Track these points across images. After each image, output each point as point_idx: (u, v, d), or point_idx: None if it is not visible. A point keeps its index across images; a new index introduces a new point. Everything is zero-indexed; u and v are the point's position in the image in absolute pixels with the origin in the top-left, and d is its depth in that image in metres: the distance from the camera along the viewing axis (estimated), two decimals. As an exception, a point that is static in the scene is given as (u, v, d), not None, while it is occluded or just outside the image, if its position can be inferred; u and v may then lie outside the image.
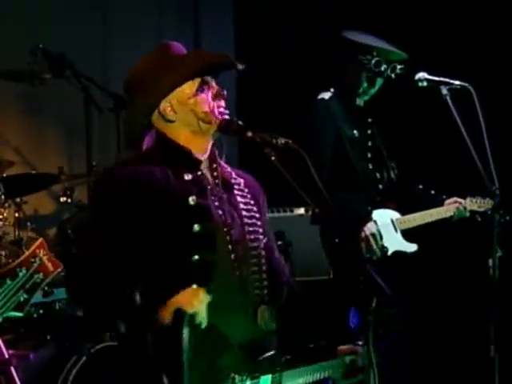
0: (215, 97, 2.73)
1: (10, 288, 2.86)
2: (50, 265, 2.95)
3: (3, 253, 4.18)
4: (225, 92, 2.75)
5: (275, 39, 5.89)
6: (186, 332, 2.46)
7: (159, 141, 2.76)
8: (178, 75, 2.70)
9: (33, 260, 2.92)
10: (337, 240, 3.81)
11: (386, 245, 4.32)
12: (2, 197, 4.29)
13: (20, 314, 2.92)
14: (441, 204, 4.48)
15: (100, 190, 2.74)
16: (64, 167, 4.95)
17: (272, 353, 2.73)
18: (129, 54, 5.05)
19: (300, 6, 5.86)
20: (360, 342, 2.89)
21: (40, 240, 3.01)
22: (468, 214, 4.44)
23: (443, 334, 5.29)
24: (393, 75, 4.37)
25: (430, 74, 4.04)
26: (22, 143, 5.30)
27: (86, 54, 5.25)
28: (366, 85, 4.42)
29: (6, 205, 4.34)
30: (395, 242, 4.38)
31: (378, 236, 4.29)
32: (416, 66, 4.14)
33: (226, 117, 2.73)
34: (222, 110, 2.72)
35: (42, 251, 2.95)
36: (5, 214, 4.29)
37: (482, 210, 4.35)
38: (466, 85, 3.92)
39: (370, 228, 4.28)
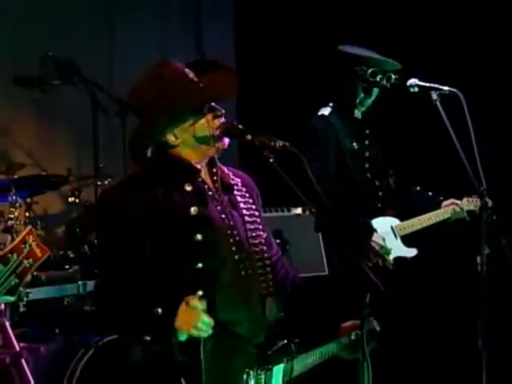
0: (214, 117, 2.72)
1: (2, 273, 2.86)
2: (38, 251, 2.95)
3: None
4: (223, 111, 2.73)
5: (274, 45, 5.89)
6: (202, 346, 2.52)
7: (158, 154, 2.75)
8: (180, 113, 2.69)
9: (23, 246, 2.91)
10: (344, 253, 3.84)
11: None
12: (14, 197, 4.23)
13: (12, 298, 2.93)
14: (438, 206, 4.48)
15: (102, 214, 2.73)
16: (72, 169, 5.00)
17: (282, 343, 2.75)
18: (134, 61, 5.10)
19: (299, 15, 5.85)
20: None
21: (29, 228, 3.03)
22: (465, 215, 4.44)
23: (434, 327, 5.24)
24: (388, 85, 4.39)
25: (420, 80, 4.04)
26: (33, 146, 5.32)
27: (93, 62, 5.28)
28: (362, 95, 4.43)
29: (18, 205, 4.26)
30: (396, 248, 4.38)
31: (385, 246, 4.30)
32: (408, 73, 4.16)
33: (225, 142, 2.73)
34: (219, 133, 2.71)
35: (31, 238, 2.94)
36: (16, 214, 4.21)
37: (478, 209, 4.15)
38: (455, 90, 3.92)
39: (377, 242, 4.29)
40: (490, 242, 3.74)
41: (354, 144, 4.43)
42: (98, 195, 2.92)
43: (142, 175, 2.72)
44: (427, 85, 3.99)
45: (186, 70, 2.74)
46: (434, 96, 3.93)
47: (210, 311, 2.56)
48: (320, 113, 4.46)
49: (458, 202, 4.44)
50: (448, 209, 4.45)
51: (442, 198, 4.49)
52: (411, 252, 4.43)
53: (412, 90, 4.03)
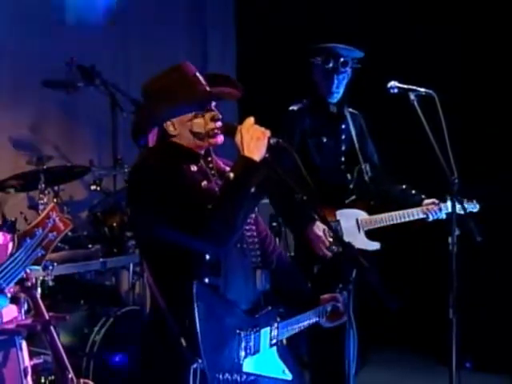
0: (211, 119, 2.74)
1: (30, 245, 2.87)
2: (61, 224, 2.96)
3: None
4: (220, 116, 2.75)
5: (276, 45, 5.98)
6: (197, 305, 2.53)
7: (163, 142, 2.77)
8: (181, 104, 2.72)
9: (47, 221, 2.92)
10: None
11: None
12: (43, 185, 4.40)
13: (38, 268, 2.94)
14: (419, 204, 4.31)
15: (151, 175, 2.65)
16: (94, 160, 5.09)
17: (268, 309, 2.82)
18: (147, 65, 5.20)
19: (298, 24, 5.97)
20: (338, 290, 3.03)
21: (52, 204, 3.06)
22: (444, 216, 4.22)
23: (411, 298, 5.29)
24: (347, 69, 4.32)
25: (400, 82, 3.97)
26: (60, 140, 5.44)
27: (112, 66, 5.46)
28: (324, 83, 4.33)
29: (46, 192, 4.44)
30: (357, 241, 4.14)
31: (325, 236, 4.11)
32: (389, 76, 4.04)
33: (219, 139, 2.76)
34: (215, 131, 2.74)
35: (54, 213, 2.95)
36: (45, 200, 4.39)
37: (463, 212, 3.90)
38: (431, 91, 3.91)
39: (315, 231, 4.10)
40: (460, 225, 3.76)
41: (324, 138, 4.35)
42: (131, 171, 2.80)
43: (156, 156, 2.72)
44: (406, 86, 3.95)
45: (197, 73, 2.77)
46: (412, 97, 3.90)
47: (216, 272, 2.62)
48: (290, 108, 4.38)
49: (438, 202, 4.26)
50: (424, 209, 4.26)
51: (423, 197, 4.34)
52: (373, 246, 4.24)
53: (392, 91, 3.97)
